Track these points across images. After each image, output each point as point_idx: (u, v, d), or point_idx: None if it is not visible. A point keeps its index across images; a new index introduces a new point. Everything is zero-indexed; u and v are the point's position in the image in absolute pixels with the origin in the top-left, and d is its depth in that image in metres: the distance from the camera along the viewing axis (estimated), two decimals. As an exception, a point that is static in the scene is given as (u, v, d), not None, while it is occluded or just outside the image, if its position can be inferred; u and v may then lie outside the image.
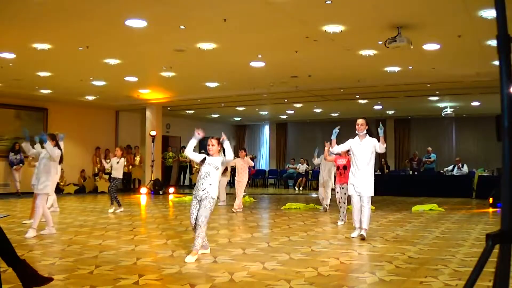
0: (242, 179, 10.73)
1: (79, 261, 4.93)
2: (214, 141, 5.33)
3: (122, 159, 9.98)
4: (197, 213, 5.09)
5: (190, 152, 5.37)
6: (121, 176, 10.06)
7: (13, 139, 14.71)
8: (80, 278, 4.21)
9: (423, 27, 7.31)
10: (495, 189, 11.19)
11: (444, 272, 4.45)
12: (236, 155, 9.82)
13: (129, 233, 7.05)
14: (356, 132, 6.67)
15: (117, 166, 9.89)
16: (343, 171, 8.24)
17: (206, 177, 5.18)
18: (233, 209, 10.15)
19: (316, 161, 10.68)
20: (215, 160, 5.25)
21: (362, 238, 6.44)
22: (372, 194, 6.55)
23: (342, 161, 8.31)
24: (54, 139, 7.09)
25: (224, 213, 9.98)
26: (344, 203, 8.29)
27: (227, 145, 5.27)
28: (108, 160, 10.03)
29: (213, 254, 5.33)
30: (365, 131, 6.60)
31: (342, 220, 8.24)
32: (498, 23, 1.70)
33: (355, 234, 6.66)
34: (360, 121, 6.66)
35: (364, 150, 6.54)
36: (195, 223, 5.09)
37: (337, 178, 8.53)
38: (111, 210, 9.75)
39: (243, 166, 10.71)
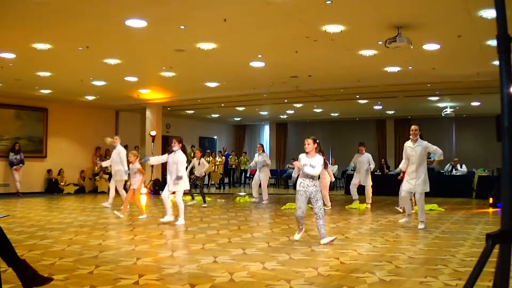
0: (325, 178, 10.69)
1: (79, 261, 4.93)
2: (310, 141, 6.02)
3: (202, 159, 11.72)
4: (305, 207, 6.22)
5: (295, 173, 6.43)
6: (202, 174, 11.65)
7: (13, 139, 14.71)
8: (80, 278, 4.21)
9: (423, 27, 7.31)
10: (495, 189, 11.19)
11: (444, 272, 4.45)
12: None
13: (129, 233, 7.05)
14: (410, 137, 7.60)
15: (198, 167, 11.57)
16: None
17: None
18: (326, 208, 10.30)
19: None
20: (314, 160, 5.99)
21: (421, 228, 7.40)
22: (428, 190, 7.46)
23: None
24: (181, 141, 8.38)
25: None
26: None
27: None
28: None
29: (213, 254, 5.34)
30: (418, 136, 7.53)
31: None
32: (498, 23, 1.70)
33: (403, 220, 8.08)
34: (414, 127, 7.62)
35: (417, 153, 7.46)
36: (315, 216, 6.10)
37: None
38: (205, 205, 11.34)
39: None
